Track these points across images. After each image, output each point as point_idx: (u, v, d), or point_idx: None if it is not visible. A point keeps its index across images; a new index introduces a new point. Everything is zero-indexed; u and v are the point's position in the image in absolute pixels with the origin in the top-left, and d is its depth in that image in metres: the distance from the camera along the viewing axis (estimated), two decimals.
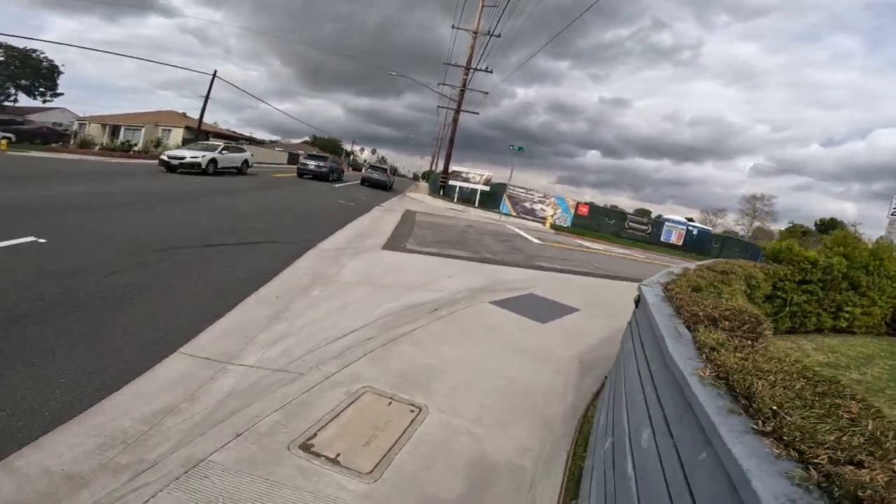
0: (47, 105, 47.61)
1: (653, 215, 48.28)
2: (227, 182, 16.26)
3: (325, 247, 7.78)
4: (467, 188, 25.72)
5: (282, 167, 34.85)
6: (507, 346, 4.18)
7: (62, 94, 41.12)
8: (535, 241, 13.92)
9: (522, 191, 25.72)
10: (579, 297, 6.64)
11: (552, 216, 23.65)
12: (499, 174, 24.57)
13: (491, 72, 29.25)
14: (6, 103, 39.75)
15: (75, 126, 39.12)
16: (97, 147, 24.47)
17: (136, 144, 27.11)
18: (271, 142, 66.04)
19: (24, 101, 44.78)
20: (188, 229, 7.18)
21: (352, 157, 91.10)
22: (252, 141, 55.16)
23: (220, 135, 37.36)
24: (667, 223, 26.83)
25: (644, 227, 25.97)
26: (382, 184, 25.17)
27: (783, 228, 55.58)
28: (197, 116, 32.72)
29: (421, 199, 22.50)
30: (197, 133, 25.65)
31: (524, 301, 5.87)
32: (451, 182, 26.16)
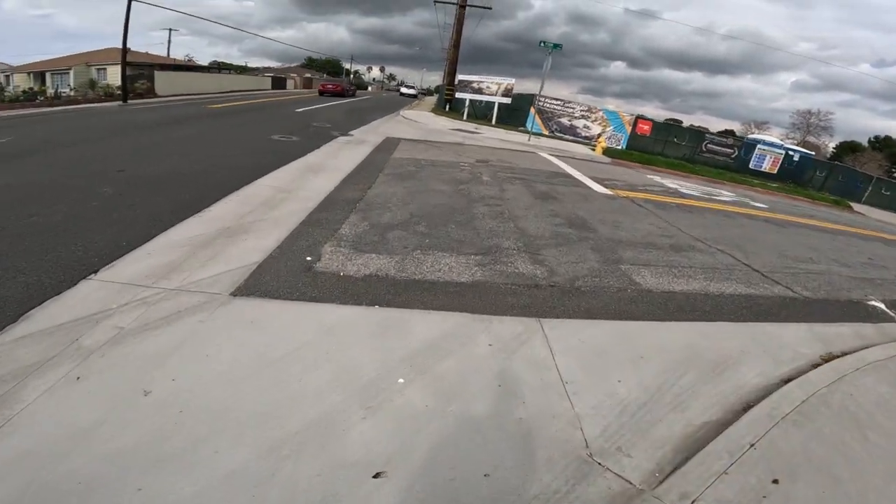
0: None
1: (685, 124, 39.35)
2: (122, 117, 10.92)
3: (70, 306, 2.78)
4: (481, 101, 19.53)
5: (247, 94, 29.07)
6: None
7: None
8: (597, 187, 8.52)
9: (558, 103, 19.39)
10: None
11: (605, 137, 17.57)
12: (519, 88, 17.93)
13: None
14: None
15: (0, 78, 33.03)
16: None
17: (40, 91, 21.02)
18: (265, 68, 65.70)
19: None
20: None
21: (352, 76, 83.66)
22: (232, 68, 51.55)
23: (168, 66, 30.70)
24: (759, 146, 20.42)
25: (729, 151, 19.75)
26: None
27: (834, 145, 51.41)
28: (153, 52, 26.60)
29: (417, 119, 16.70)
30: (122, 65, 19.28)
31: None
32: (459, 94, 19.92)
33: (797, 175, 20.32)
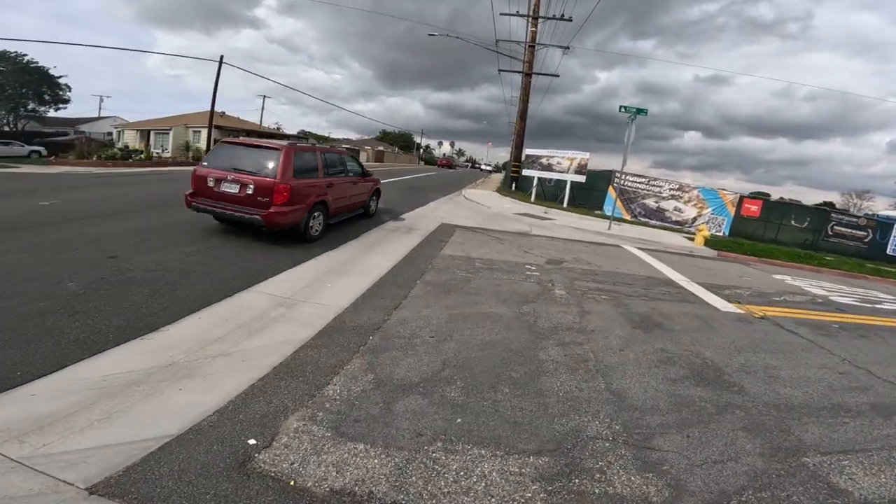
0: (101, 116, 49.06)
1: (772, 197, 30.73)
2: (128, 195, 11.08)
3: None
4: (550, 180, 18.25)
5: None
6: None
7: (68, 100, 38.95)
8: (716, 300, 6.41)
9: (641, 181, 17.53)
10: None
11: (702, 221, 15.21)
12: (590, 163, 16.58)
13: (567, 48, 21.12)
14: (53, 115, 39.72)
15: (113, 134, 38.77)
16: (94, 157, 21.26)
17: (135, 150, 23.68)
18: (344, 139, 72.37)
19: (77, 110, 45.23)
20: None
21: (422, 150, 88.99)
22: (315, 138, 56.78)
23: (255, 132, 33.95)
24: None
25: (862, 234, 16.36)
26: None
27: None
28: (242, 118, 29.76)
29: (479, 201, 15.67)
30: (209, 130, 21.31)
31: None
32: (526, 172, 18.88)
33: None
